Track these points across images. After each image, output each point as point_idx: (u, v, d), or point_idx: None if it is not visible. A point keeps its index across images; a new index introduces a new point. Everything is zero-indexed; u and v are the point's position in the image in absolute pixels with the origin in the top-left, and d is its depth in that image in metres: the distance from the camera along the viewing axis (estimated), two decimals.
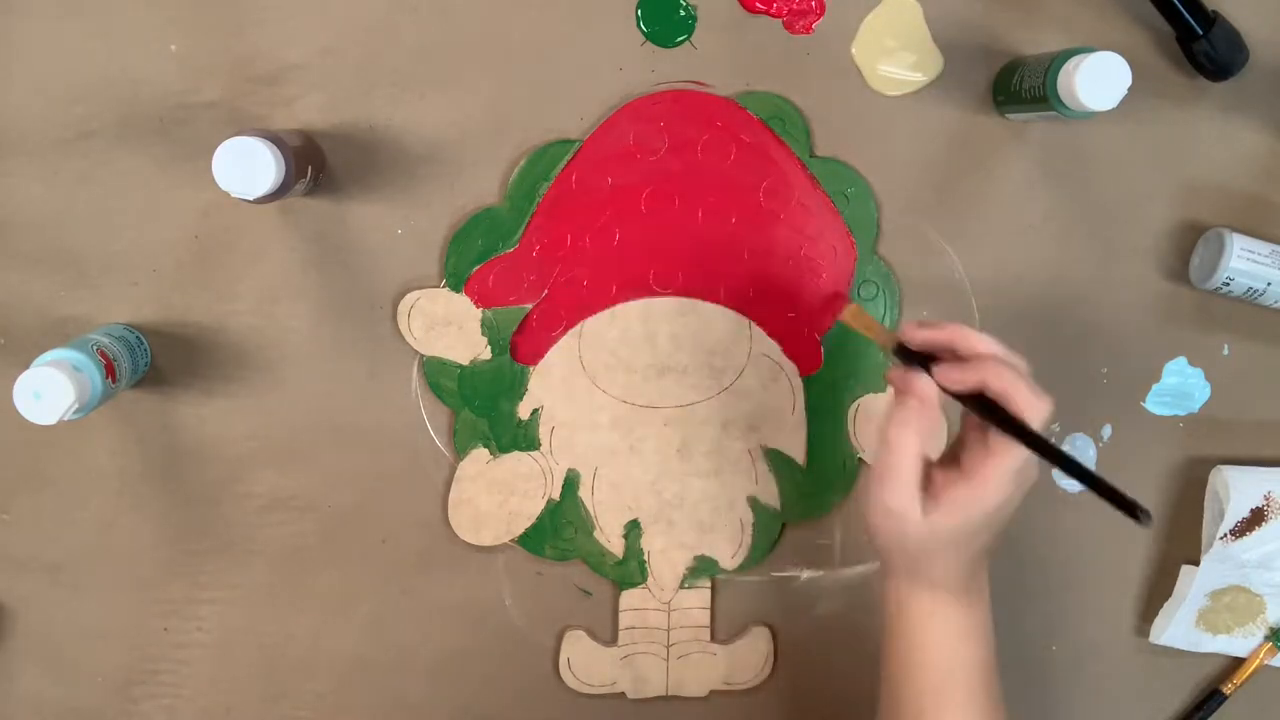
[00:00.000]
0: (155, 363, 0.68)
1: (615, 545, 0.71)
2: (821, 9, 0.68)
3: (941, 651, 0.57)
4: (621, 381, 0.70)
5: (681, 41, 0.68)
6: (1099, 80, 0.60)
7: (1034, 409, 0.52)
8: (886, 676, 0.59)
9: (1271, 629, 0.73)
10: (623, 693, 0.72)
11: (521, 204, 0.68)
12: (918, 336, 0.56)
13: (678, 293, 0.70)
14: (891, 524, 0.54)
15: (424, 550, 0.71)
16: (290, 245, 0.68)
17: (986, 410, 0.53)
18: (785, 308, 0.70)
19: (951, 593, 0.56)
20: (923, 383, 0.54)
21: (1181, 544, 0.74)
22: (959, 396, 0.54)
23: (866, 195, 0.70)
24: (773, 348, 0.70)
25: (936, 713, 0.57)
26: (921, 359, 0.55)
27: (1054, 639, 0.74)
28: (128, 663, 0.70)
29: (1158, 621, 0.73)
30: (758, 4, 0.67)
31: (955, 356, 0.55)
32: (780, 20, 0.68)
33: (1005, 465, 0.52)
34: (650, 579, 0.72)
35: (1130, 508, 0.48)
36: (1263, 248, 0.69)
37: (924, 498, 0.53)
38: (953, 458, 0.55)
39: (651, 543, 0.71)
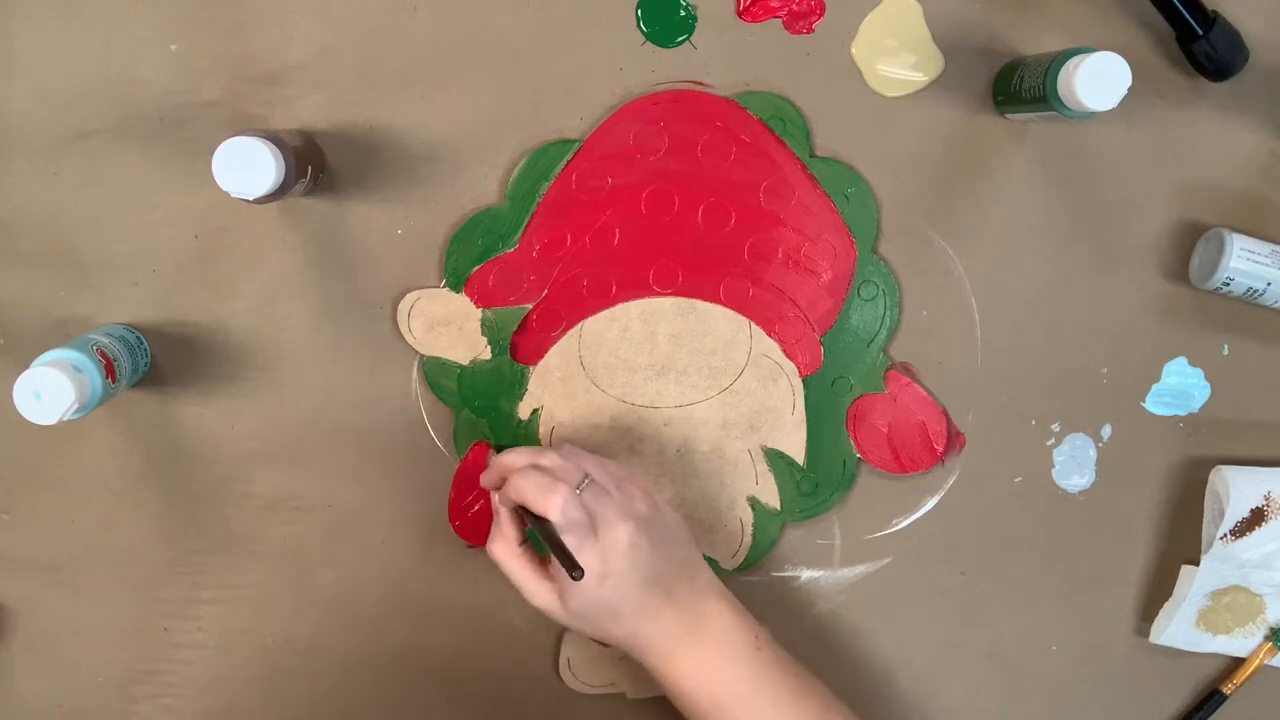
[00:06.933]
0: (155, 363, 0.68)
1: None
2: (821, 9, 0.68)
3: (698, 689, 0.62)
4: (621, 381, 0.70)
5: (681, 41, 0.68)
6: (1099, 80, 0.60)
7: (545, 501, 0.59)
8: None
9: (1271, 629, 0.73)
10: (623, 693, 0.72)
11: (521, 204, 0.68)
12: (496, 502, 0.64)
13: (678, 293, 0.70)
14: (563, 620, 0.62)
15: (424, 550, 0.71)
16: (290, 245, 0.68)
17: (533, 519, 0.61)
18: (785, 308, 0.70)
19: (671, 644, 0.62)
20: (495, 501, 0.64)
21: (1181, 544, 0.74)
22: (529, 518, 0.61)
23: (866, 195, 0.70)
24: (773, 348, 0.70)
25: None
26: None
27: (1054, 639, 0.74)
28: (128, 663, 0.70)
29: (1158, 621, 0.73)
30: (758, 14, 0.67)
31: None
32: (780, 20, 0.68)
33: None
34: None
35: (572, 565, 0.58)
36: (1263, 248, 0.69)
37: (562, 595, 0.61)
38: None
39: None
